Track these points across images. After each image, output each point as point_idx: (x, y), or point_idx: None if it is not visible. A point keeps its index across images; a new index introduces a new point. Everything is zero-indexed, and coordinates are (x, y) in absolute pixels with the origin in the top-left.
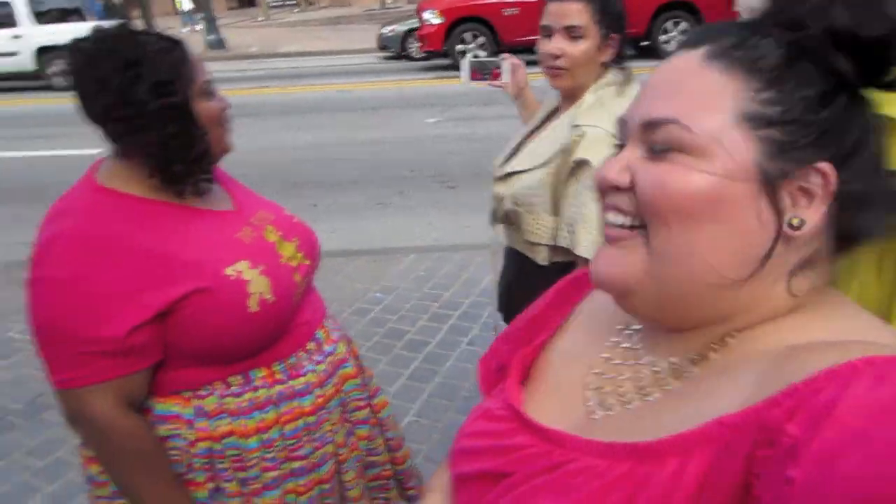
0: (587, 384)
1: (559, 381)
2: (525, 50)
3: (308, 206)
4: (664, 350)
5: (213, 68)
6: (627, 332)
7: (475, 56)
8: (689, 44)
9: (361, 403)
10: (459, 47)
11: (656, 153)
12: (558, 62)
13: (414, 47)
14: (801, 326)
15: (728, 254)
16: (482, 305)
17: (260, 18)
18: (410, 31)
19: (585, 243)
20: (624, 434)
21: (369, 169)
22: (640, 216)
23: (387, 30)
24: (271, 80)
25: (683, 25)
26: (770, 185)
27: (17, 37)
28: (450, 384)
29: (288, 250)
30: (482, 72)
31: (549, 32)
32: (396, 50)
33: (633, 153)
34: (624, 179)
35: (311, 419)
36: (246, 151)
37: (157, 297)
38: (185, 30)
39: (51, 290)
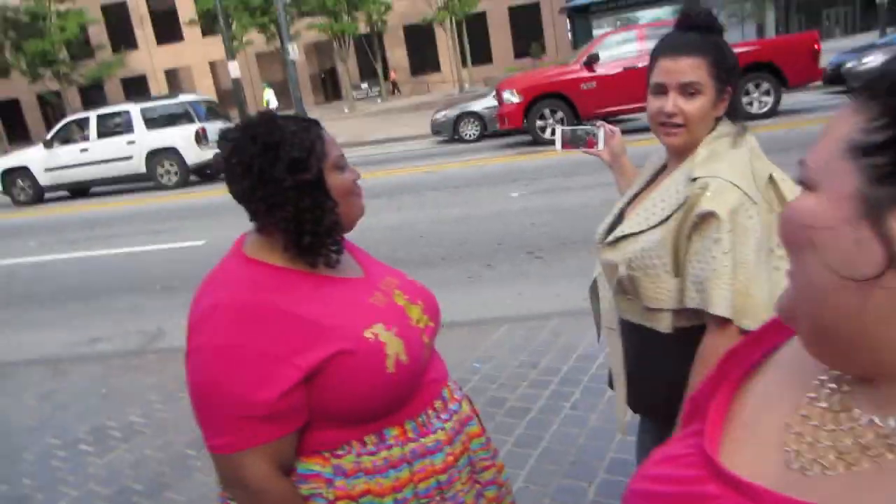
0: (788, 430)
1: (755, 425)
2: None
3: None
4: (884, 409)
5: None
6: (835, 379)
7: (569, 124)
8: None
9: (487, 463)
10: (539, 123)
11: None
12: (674, 119)
13: (466, 130)
14: None
15: (830, 283)
16: (582, 370)
17: (346, 110)
18: (462, 116)
19: (719, 300)
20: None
21: (458, 244)
22: None
23: (439, 115)
24: (360, 165)
25: (766, 87)
26: (874, 212)
27: (131, 142)
28: (556, 449)
29: (415, 313)
30: (576, 141)
31: (662, 90)
32: (449, 134)
33: None
34: None
35: (443, 477)
36: None
37: (306, 359)
38: None
39: (210, 356)
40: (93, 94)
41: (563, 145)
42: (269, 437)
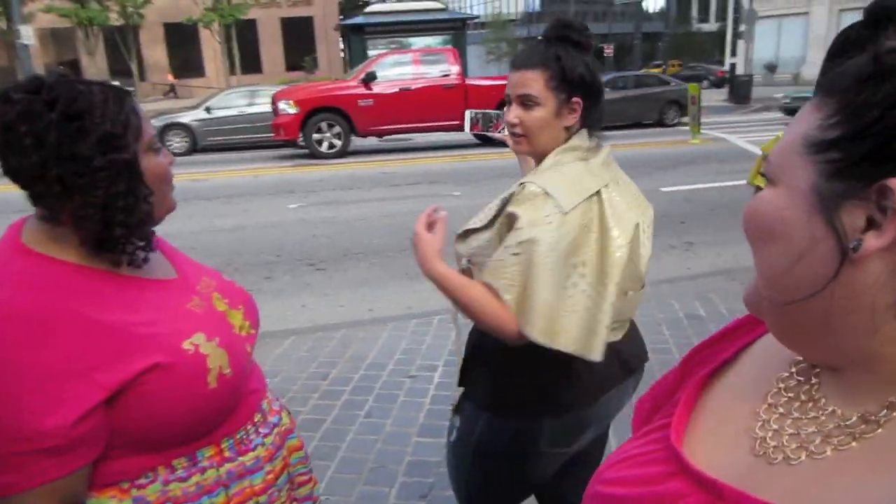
0: (755, 425)
1: (723, 418)
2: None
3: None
4: (848, 398)
5: None
6: (804, 371)
7: (345, 139)
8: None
9: (305, 478)
10: (316, 136)
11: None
12: (515, 129)
13: (172, 143)
14: None
15: (787, 273)
16: (373, 378)
17: None
18: (167, 127)
19: (499, 285)
20: (802, 498)
21: (234, 254)
22: None
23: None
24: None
25: None
26: (827, 205)
27: None
28: (353, 458)
29: (237, 319)
30: (484, 123)
31: (508, 100)
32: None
33: None
34: None
35: (263, 499)
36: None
37: (110, 376)
38: None
39: None
40: None
41: (472, 127)
42: (60, 471)
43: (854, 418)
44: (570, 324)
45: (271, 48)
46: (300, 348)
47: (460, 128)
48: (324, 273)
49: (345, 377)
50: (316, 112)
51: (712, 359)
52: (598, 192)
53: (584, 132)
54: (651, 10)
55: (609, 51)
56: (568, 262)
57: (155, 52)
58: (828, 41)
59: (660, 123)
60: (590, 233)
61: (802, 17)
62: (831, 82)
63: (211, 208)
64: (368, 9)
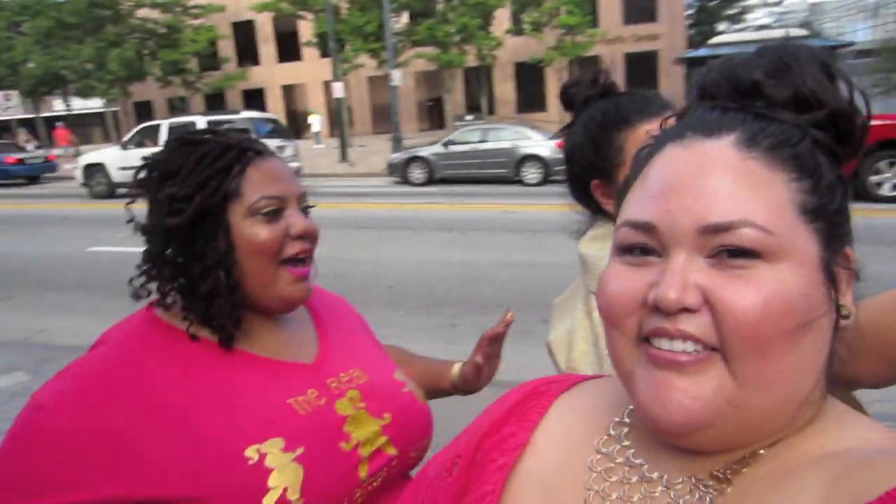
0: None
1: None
2: None
3: (447, 325)
4: (677, 465)
5: (371, 183)
6: (615, 444)
7: None
8: (699, 132)
9: None
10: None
11: (723, 262)
12: None
13: (415, 173)
14: (831, 431)
15: (816, 367)
16: None
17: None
18: (412, 159)
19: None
20: None
21: (518, 293)
22: (716, 340)
23: (394, 156)
24: (440, 196)
25: None
26: (832, 279)
27: None
28: None
29: (363, 431)
30: None
31: None
32: (399, 175)
33: (691, 265)
34: (694, 300)
35: None
36: (392, 263)
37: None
38: (317, 146)
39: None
40: (215, 102)
41: None
42: None
43: (703, 477)
44: None
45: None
46: None
47: None
48: None
49: None
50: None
51: (503, 446)
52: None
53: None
54: None
55: None
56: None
57: (504, 88)
58: None
59: None
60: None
61: None
62: (783, 142)
63: (513, 242)
64: (714, 39)
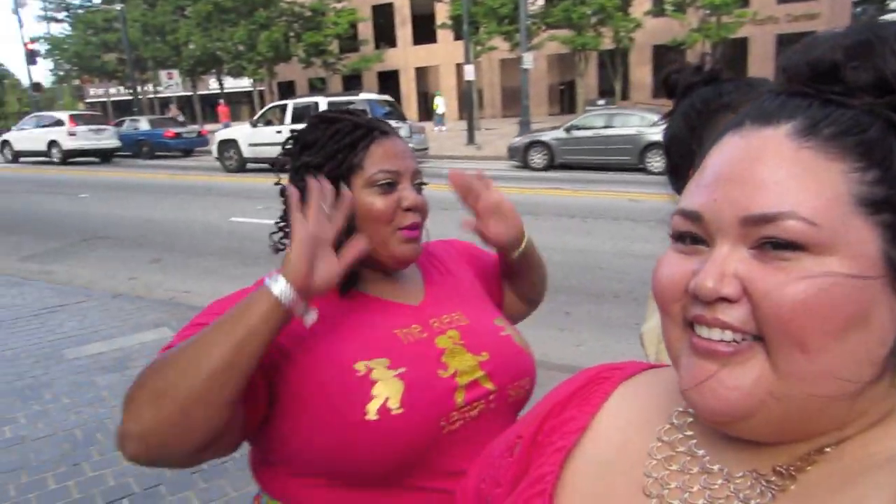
0: (645, 498)
1: (604, 497)
2: None
3: (560, 312)
4: (739, 458)
5: (496, 167)
6: (677, 433)
7: None
8: (758, 120)
9: None
10: None
11: (766, 254)
12: None
13: (535, 158)
14: None
15: (868, 362)
16: None
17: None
18: (533, 144)
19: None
20: None
21: (637, 283)
22: (757, 329)
23: (515, 140)
24: (562, 182)
25: None
26: None
27: (278, 132)
28: None
29: (461, 363)
30: None
31: None
32: (520, 160)
33: (733, 255)
34: (732, 290)
35: None
36: None
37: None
38: (437, 128)
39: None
40: (352, 83)
41: None
42: None
43: (767, 472)
44: None
45: (762, 67)
46: None
47: None
48: None
49: None
50: None
51: (563, 429)
52: None
53: None
54: None
55: None
56: None
57: (641, 72)
58: None
59: None
60: None
61: None
62: (848, 130)
63: (637, 231)
64: (885, 18)
